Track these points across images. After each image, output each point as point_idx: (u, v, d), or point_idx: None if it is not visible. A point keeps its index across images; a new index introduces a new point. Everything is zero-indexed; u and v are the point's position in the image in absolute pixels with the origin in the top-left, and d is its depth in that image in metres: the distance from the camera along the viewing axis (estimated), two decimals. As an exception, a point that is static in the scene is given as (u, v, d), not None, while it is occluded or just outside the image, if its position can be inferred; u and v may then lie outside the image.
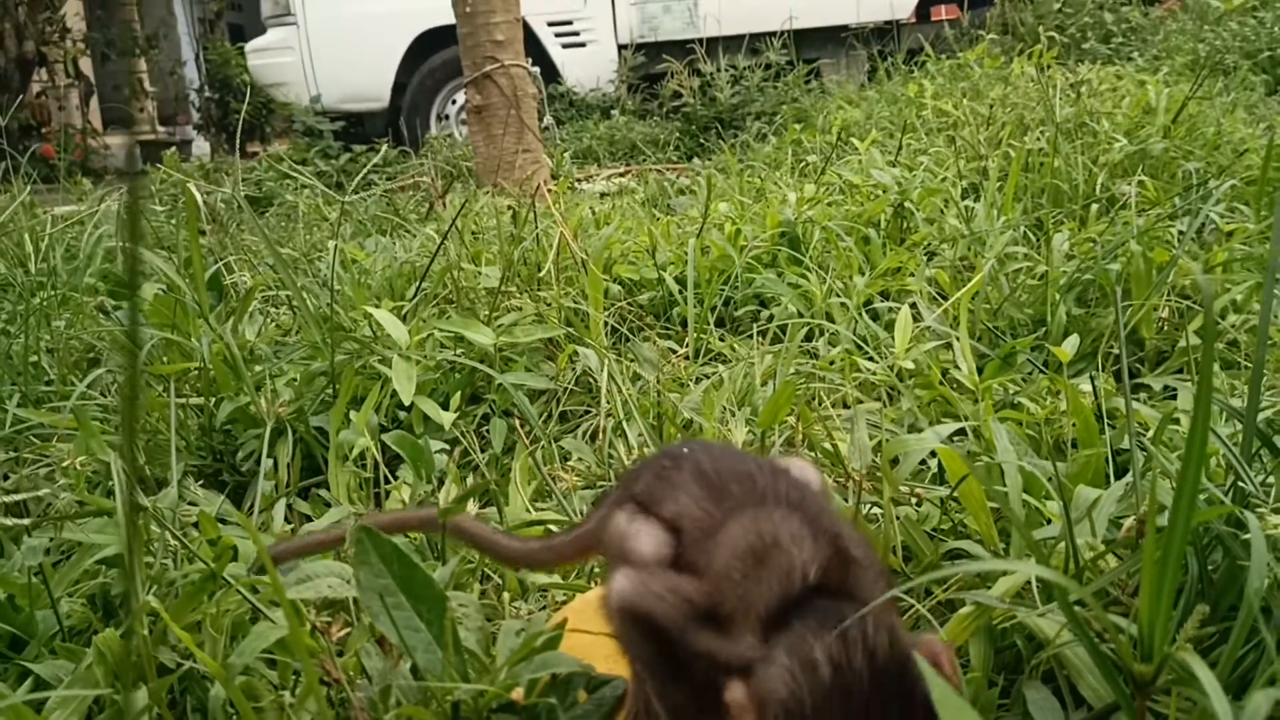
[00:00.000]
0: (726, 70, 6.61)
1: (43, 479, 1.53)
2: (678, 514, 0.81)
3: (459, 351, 1.87)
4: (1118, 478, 1.27)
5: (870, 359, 1.79)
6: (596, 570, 1.23)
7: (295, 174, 3.87)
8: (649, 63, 7.78)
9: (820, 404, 1.69)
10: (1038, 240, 2.41)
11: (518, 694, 0.73)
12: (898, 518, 1.16)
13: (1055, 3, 6.31)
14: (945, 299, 2.08)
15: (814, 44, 7.75)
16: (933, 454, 1.36)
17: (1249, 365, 1.74)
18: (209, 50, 14.20)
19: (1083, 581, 0.92)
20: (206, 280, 2.44)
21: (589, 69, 7.84)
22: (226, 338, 1.69)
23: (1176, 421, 1.36)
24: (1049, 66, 4.21)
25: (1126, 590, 0.90)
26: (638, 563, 0.80)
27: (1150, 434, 1.30)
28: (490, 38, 4.29)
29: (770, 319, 2.12)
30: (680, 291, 2.20)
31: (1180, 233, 2.22)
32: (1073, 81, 3.52)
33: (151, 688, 0.89)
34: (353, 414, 1.59)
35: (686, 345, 2.01)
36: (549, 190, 3.92)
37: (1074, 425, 1.39)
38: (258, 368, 1.83)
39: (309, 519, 1.51)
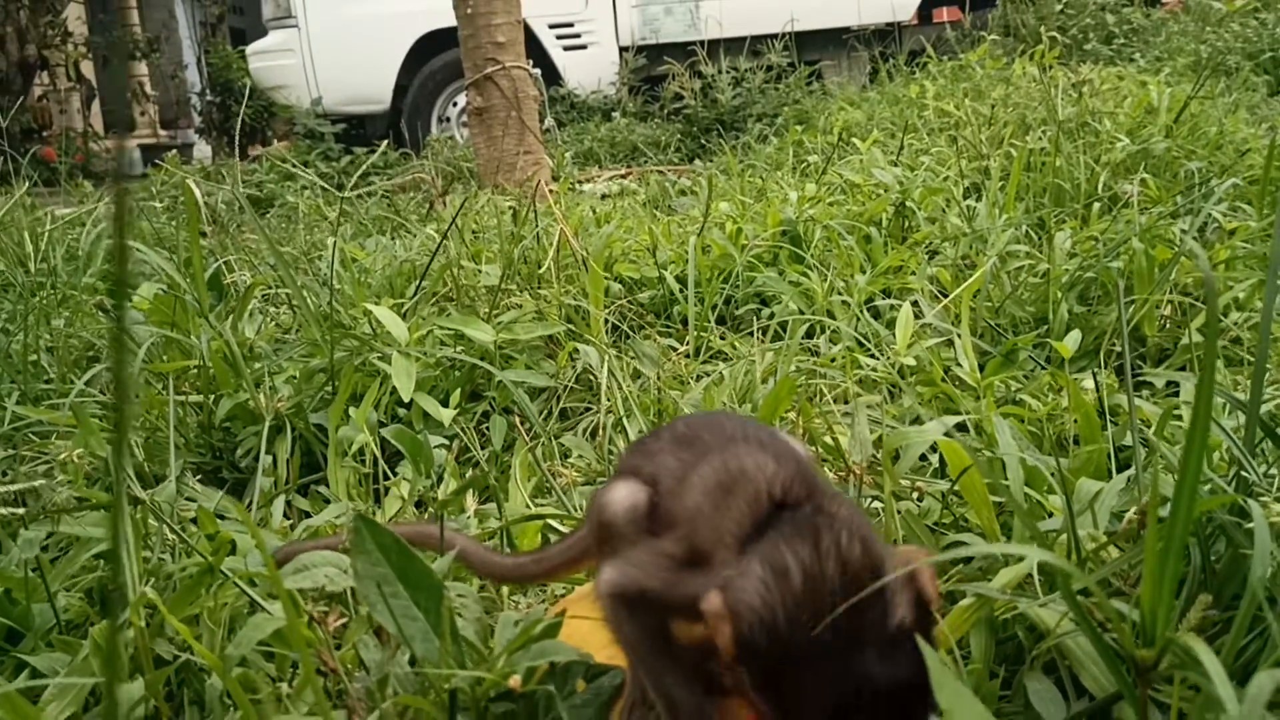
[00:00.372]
0: (728, 72, 6.61)
1: (41, 476, 1.53)
2: (655, 470, 0.82)
3: (459, 349, 1.87)
4: (1119, 473, 1.27)
5: (872, 356, 1.79)
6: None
7: (296, 172, 3.86)
8: (650, 65, 7.78)
9: (821, 399, 1.68)
10: (1039, 239, 2.40)
11: (515, 681, 0.73)
12: (898, 512, 1.15)
13: (1057, 4, 6.31)
14: (947, 297, 2.07)
15: (815, 46, 7.75)
16: (934, 448, 1.35)
17: (1252, 361, 1.73)
18: (211, 54, 14.21)
19: (1085, 572, 0.91)
20: (207, 279, 2.44)
21: (590, 71, 7.84)
22: (226, 335, 1.68)
23: (1179, 416, 1.35)
24: (1051, 67, 4.21)
25: (1128, 581, 0.89)
26: (611, 515, 0.81)
27: (1153, 429, 1.29)
28: (491, 40, 4.28)
29: (771, 317, 2.11)
30: (681, 290, 2.19)
31: (1183, 231, 2.22)
32: (1074, 81, 3.51)
33: (148, 679, 0.89)
34: (352, 411, 1.59)
35: (687, 343, 2.01)
36: (550, 190, 3.92)
37: (1076, 421, 1.39)
38: (257, 365, 1.83)
39: (308, 515, 1.50)
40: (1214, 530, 0.88)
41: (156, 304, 2.13)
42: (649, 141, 6.30)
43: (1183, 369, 1.80)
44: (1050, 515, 1.12)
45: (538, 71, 4.80)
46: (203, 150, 14.40)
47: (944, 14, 7.83)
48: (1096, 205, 2.54)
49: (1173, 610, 0.68)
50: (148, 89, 15.76)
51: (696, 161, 5.74)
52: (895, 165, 3.10)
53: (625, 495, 0.81)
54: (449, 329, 1.84)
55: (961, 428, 1.46)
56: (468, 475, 1.51)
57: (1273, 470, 0.96)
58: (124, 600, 0.87)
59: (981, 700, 0.87)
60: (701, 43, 7.20)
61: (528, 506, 1.41)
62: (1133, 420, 1.02)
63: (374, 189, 4.21)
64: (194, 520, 1.31)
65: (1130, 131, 3.10)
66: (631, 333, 2.11)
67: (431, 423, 1.70)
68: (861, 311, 2.01)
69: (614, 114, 7.15)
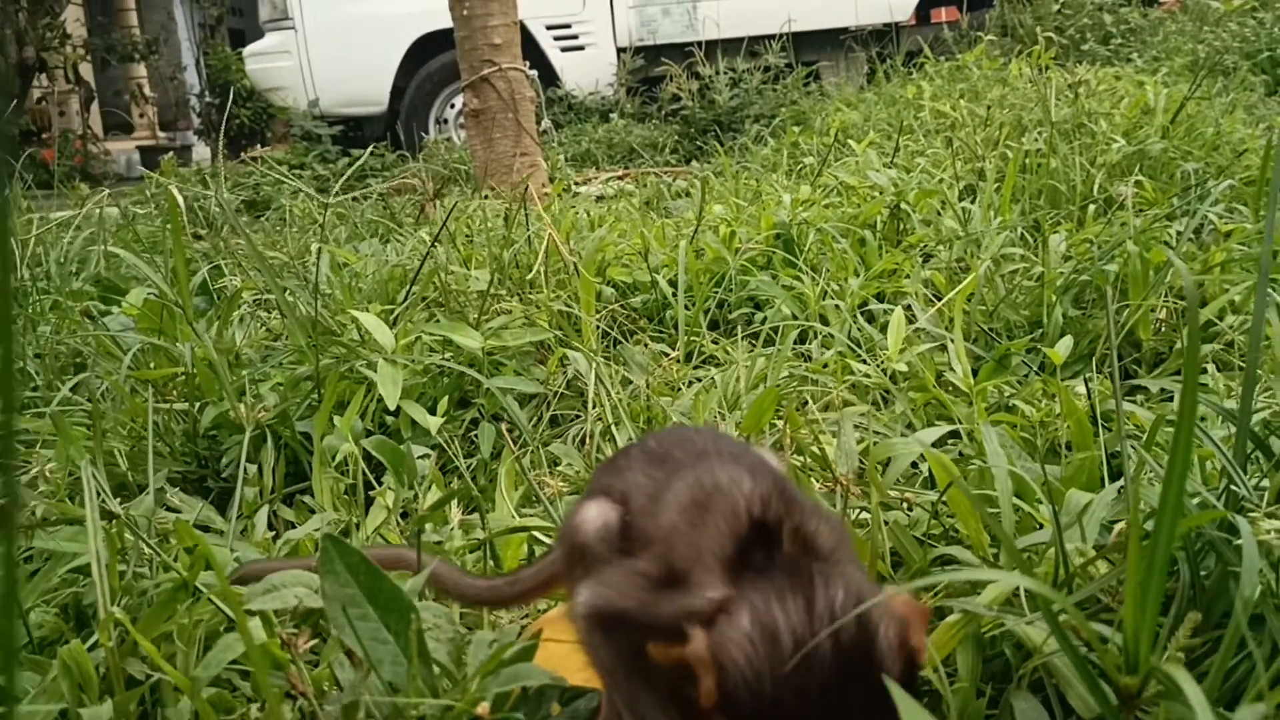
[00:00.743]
0: (725, 73, 6.59)
1: (26, 486, 1.51)
2: (626, 488, 0.81)
3: (447, 355, 1.85)
4: (1114, 480, 1.25)
5: (864, 361, 1.77)
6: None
7: (284, 179, 3.84)
8: (648, 66, 7.77)
9: (810, 406, 1.67)
10: (1035, 241, 2.38)
11: (483, 709, 0.71)
12: (886, 523, 1.14)
13: (1054, 4, 6.29)
14: (941, 300, 2.05)
15: (813, 46, 7.73)
16: (924, 457, 1.34)
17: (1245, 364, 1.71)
18: (210, 55, 14.20)
19: (1072, 588, 0.90)
20: (197, 285, 2.42)
21: (587, 72, 7.82)
22: (207, 343, 1.66)
23: (1171, 423, 1.33)
24: (1047, 67, 4.19)
25: (1116, 597, 0.87)
26: (584, 536, 0.79)
27: (1144, 437, 1.28)
28: (488, 41, 4.27)
29: (764, 321, 2.10)
30: (673, 294, 2.17)
31: (1178, 233, 2.20)
32: (1071, 82, 3.49)
33: (118, 700, 0.87)
34: (337, 419, 1.57)
35: (678, 348, 1.99)
36: (544, 192, 3.90)
37: (1069, 428, 1.37)
38: (244, 372, 1.81)
39: (293, 525, 1.48)
40: (1203, 545, 0.86)
41: (145, 310, 2.11)
42: (646, 143, 6.28)
43: (1177, 374, 1.78)
44: (1040, 526, 1.10)
45: (534, 73, 4.78)
46: (201, 151, 14.39)
47: (942, 14, 7.81)
48: (1092, 207, 2.52)
49: (1157, 634, 0.66)
50: (146, 90, 15.75)
51: (694, 163, 5.72)
52: (890, 167, 3.08)
53: (596, 515, 0.79)
54: (437, 335, 1.82)
55: (954, 435, 1.45)
56: (452, 485, 1.49)
57: (1265, 483, 0.94)
58: (105, 627, 0.86)
59: (968, 719, 0.85)
60: (699, 44, 7.19)
61: (513, 517, 1.39)
62: (1121, 431, 1.00)
63: (370, 191, 4.19)
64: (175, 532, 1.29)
65: (1126, 132, 3.08)
66: (623, 338, 2.09)
67: (419, 430, 1.68)
68: (855, 316, 1.99)
69: (611, 115, 7.13)
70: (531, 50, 6.98)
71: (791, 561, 0.70)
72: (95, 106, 15.07)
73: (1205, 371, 1.63)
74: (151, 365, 1.90)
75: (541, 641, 0.80)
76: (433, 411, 1.70)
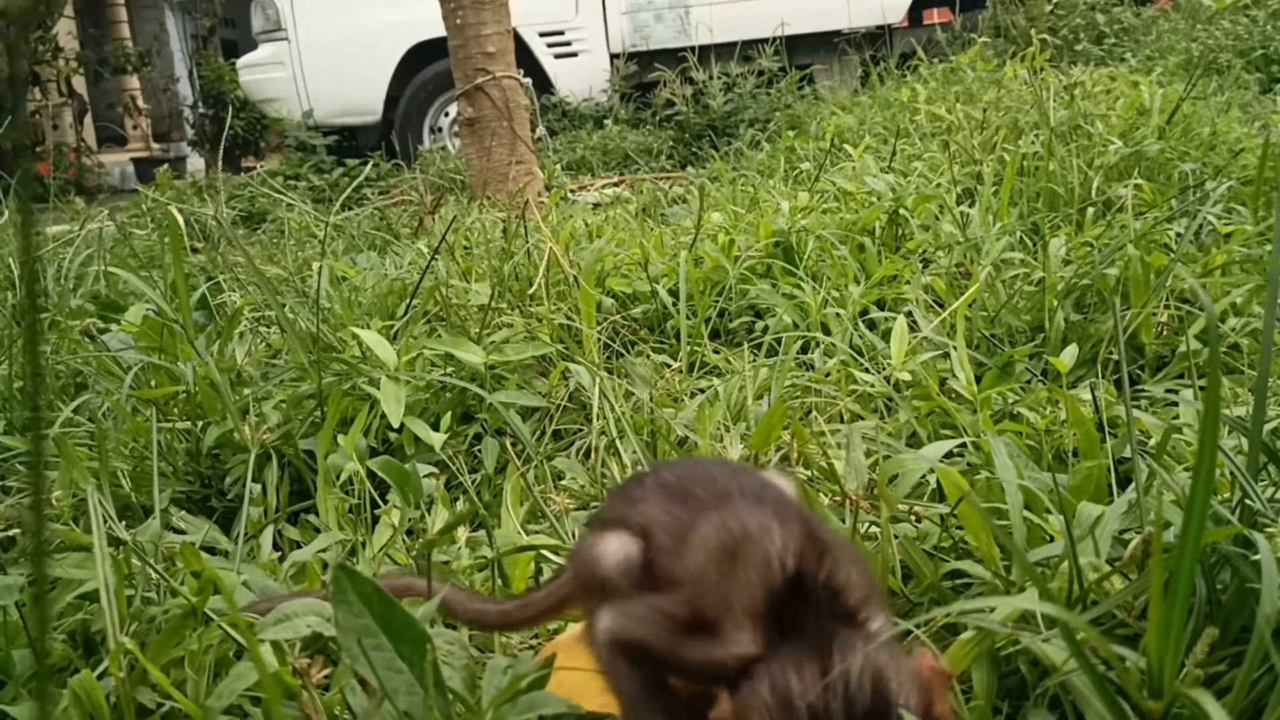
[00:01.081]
0: (719, 78, 6.60)
1: (28, 509, 1.50)
2: (644, 522, 0.80)
3: (449, 370, 1.84)
4: (1121, 486, 1.25)
5: (867, 370, 1.77)
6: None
7: (280, 195, 3.84)
8: (641, 71, 7.77)
9: (817, 418, 1.66)
10: (1034, 245, 2.38)
11: (502, 740, 0.71)
12: (896, 536, 1.13)
13: (1047, 4, 6.30)
14: (942, 306, 2.05)
15: (806, 50, 7.74)
16: (933, 469, 1.33)
17: (1252, 371, 1.71)
18: (203, 66, 14.19)
19: (1087, 605, 0.89)
20: (196, 300, 2.41)
21: (582, 79, 7.82)
22: (209, 362, 1.66)
23: (1180, 430, 1.33)
24: (1042, 69, 4.19)
25: (1133, 613, 0.87)
26: (605, 570, 0.79)
27: (1152, 443, 1.27)
28: (481, 50, 4.27)
29: (766, 330, 2.09)
30: (674, 304, 2.17)
31: (1178, 235, 2.20)
32: (1066, 84, 3.49)
33: (129, 731, 0.86)
34: (341, 438, 1.56)
35: (680, 359, 1.99)
36: (542, 201, 3.90)
37: (1075, 435, 1.36)
38: (246, 391, 1.80)
39: (299, 545, 1.48)
40: (1219, 560, 0.86)
41: (144, 328, 2.11)
42: (641, 149, 6.28)
43: (1181, 376, 1.78)
44: (1051, 539, 1.09)
45: (528, 81, 4.78)
46: (196, 163, 14.38)
47: (934, 15, 7.82)
48: (1091, 210, 2.52)
49: (1179, 657, 0.66)
50: (140, 102, 15.74)
51: (689, 168, 5.72)
52: (888, 172, 3.08)
53: (618, 548, 0.79)
54: (439, 351, 1.82)
55: (960, 444, 1.44)
56: (458, 504, 1.49)
57: (1279, 494, 0.94)
58: (115, 658, 0.85)
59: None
60: (692, 48, 7.19)
61: (520, 534, 1.39)
62: (1132, 442, 0.99)
63: (366, 201, 4.19)
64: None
65: (1123, 134, 3.08)
66: (625, 350, 2.08)
67: (423, 446, 1.67)
68: (856, 324, 1.99)
69: (606, 121, 7.13)
70: (525, 57, 6.98)
71: (818, 622, 0.70)
72: (89, 119, 15.05)
73: (1218, 360, 1.62)
74: (153, 384, 1.89)
75: (555, 668, 0.80)
76: (436, 427, 1.69)
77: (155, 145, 16.22)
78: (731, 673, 0.69)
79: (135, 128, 15.99)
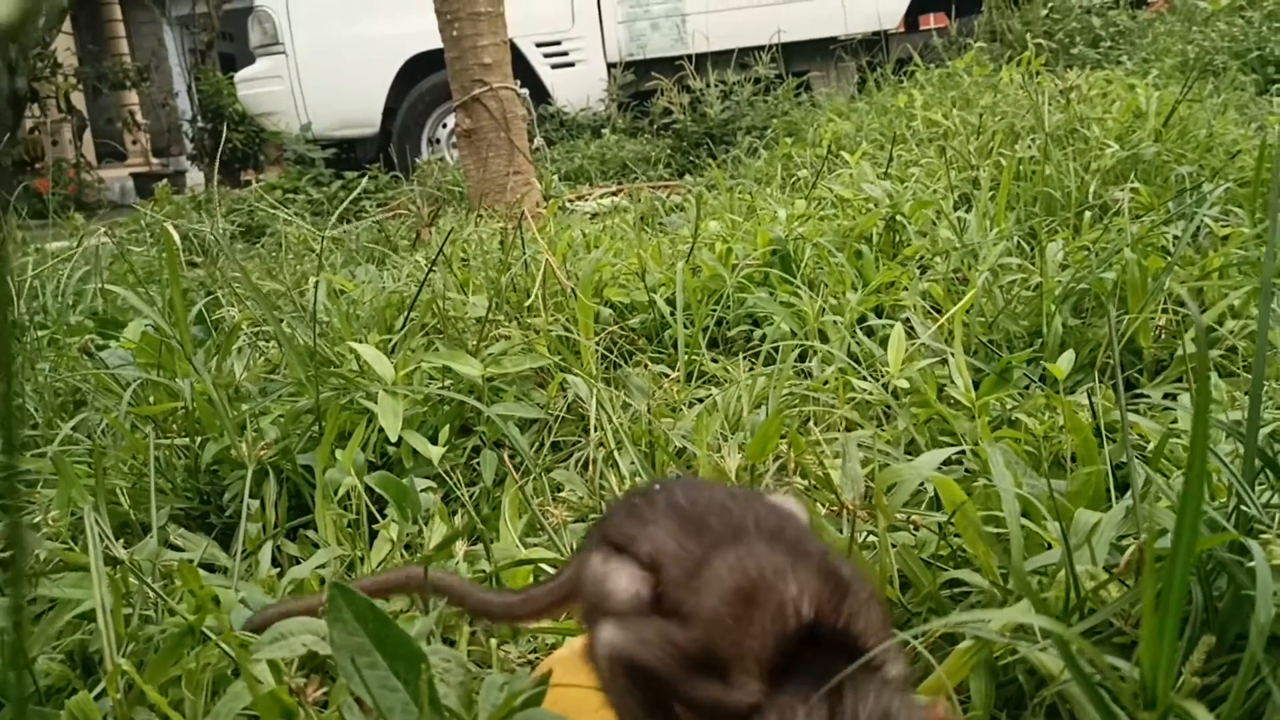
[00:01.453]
0: (716, 86, 6.60)
1: (29, 528, 1.50)
2: (654, 552, 0.79)
3: (447, 383, 1.84)
4: (1119, 491, 1.25)
5: (865, 378, 1.77)
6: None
7: (277, 211, 3.85)
8: (638, 80, 7.78)
9: (816, 425, 1.66)
10: (1031, 250, 2.38)
11: (496, 758, 0.70)
12: (894, 545, 1.13)
13: (1043, 8, 6.31)
14: (940, 313, 2.05)
15: (803, 57, 7.74)
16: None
17: (1249, 374, 1.71)
18: (201, 81, 14.21)
19: (1084, 613, 0.89)
20: (194, 315, 2.42)
21: (579, 88, 7.83)
22: (206, 379, 1.66)
23: (1177, 435, 1.33)
24: (1038, 73, 4.20)
25: (1130, 621, 0.87)
26: (616, 605, 0.78)
27: (1150, 447, 1.27)
28: (478, 61, 4.28)
29: (763, 339, 2.09)
30: (671, 313, 2.17)
31: (1175, 238, 2.20)
32: (1062, 88, 3.50)
33: (126, 752, 0.86)
34: (339, 452, 1.56)
35: (678, 368, 1.99)
36: (539, 212, 3.90)
37: (1073, 441, 1.36)
38: (244, 406, 1.80)
39: (298, 561, 1.48)
40: (1215, 566, 0.86)
41: (143, 344, 2.11)
42: (639, 157, 6.29)
43: (1179, 381, 1.78)
44: (1049, 546, 1.09)
45: (525, 91, 4.79)
46: (195, 177, 14.40)
47: (930, 21, 7.83)
48: (1088, 214, 2.52)
49: (1174, 668, 0.66)
50: (139, 117, 15.76)
51: (687, 176, 5.73)
52: (885, 178, 3.08)
53: (628, 584, 0.78)
54: (437, 364, 1.82)
55: (959, 450, 1.44)
56: (456, 518, 1.49)
57: (1275, 499, 0.94)
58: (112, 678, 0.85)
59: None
60: (689, 57, 7.20)
61: (518, 547, 1.39)
62: (1127, 449, 0.99)
63: (365, 213, 4.19)
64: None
65: (1119, 137, 3.09)
66: (623, 360, 2.08)
67: (421, 460, 1.67)
68: (854, 331, 1.99)
69: (604, 130, 7.14)
70: (522, 68, 7.00)
71: (832, 667, 0.69)
72: (88, 135, 15.08)
73: (1207, 378, 1.62)
74: (151, 400, 1.89)
75: (552, 685, 0.80)
76: (434, 440, 1.69)
77: (155, 160, 16.25)
78: (737, 717, 0.69)
79: (134, 143, 16.02)
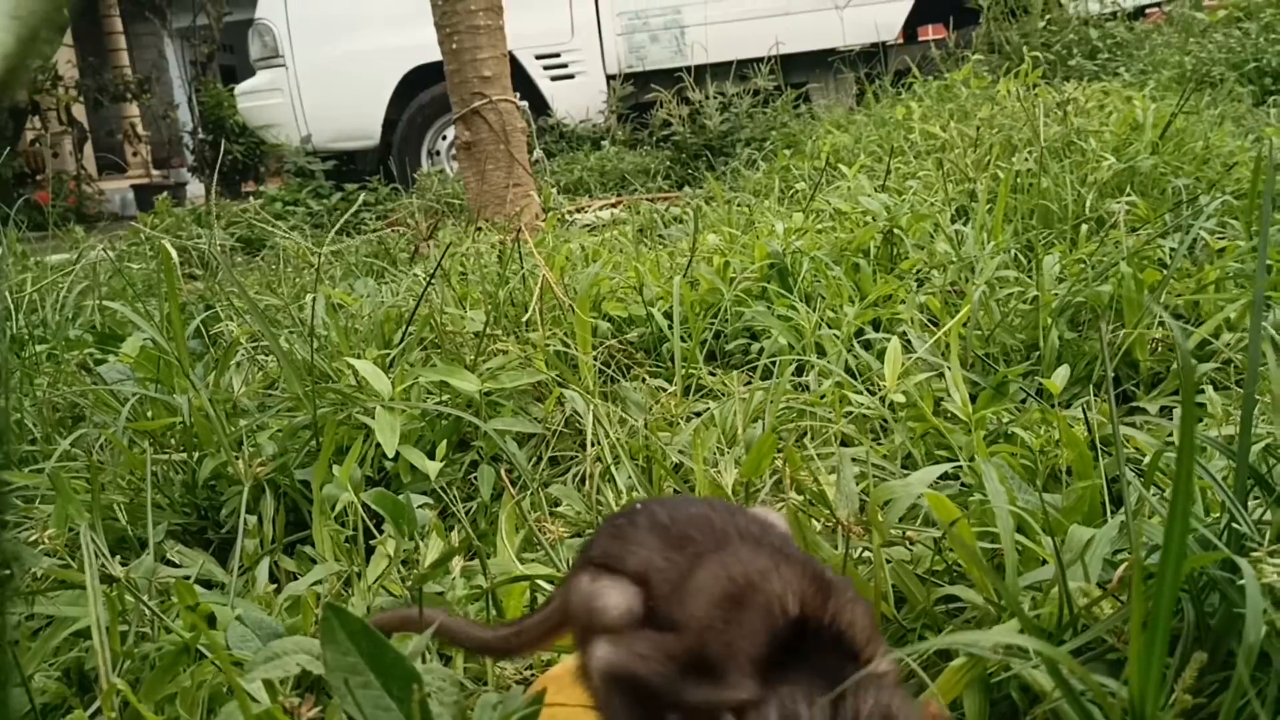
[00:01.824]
0: (715, 97, 6.62)
1: (25, 544, 1.50)
2: (641, 567, 0.80)
3: (444, 398, 1.85)
4: (1115, 505, 1.25)
5: (861, 392, 1.77)
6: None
7: (275, 227, 3.86)
8: (638, 92, 7.80)
9: (811, 440, 1.66)
10: (1028, 263, 2.39)
11: (488, 779, 0.70)
12: (889, 561, 1.13)
13: (1040, 20, 6.32)
14: (937, 326, 2.05)
15: (801, 68, 7.76)
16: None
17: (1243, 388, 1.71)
18: (201, 93, 14.25)
19: (1077, 629, 0.89)
20: (192, 330, 2.42)
21: (578, 100, 7.86)
22: (203, 394, 1.66)
23: (1172, 450, 1.33)
24: (1035, 85, 4.21)
25: (1123, 638, 0.87)
26: (609, 622, 0.79)
27: (1145, 462, 1.27)
28: (478, 74, 4.29)
29: (761, 352, 2.10)
30: (669, 327, 2.18)
31: (1172, 250, 2.20)
32: (1059, 100, 3.51)
33: (121, 771, 0.86)
34: (336, 468, 1.56)
35: (676, 382, 1.99)
36: (539, 224, 3.91)
37: (1068, 455, 1.37)
38: (242, 421, 1.81)
39: (295, 576, 1.48)
40: (1207, 583, 0.86)
41: (141, 359, 2.11)
42: (638, 169, 6.30)
43: (1174, 393, 1.78)
44: (1044, 562, 1.09)
45: (525, 104, 4.81)
46: (196, 189, 14.42)
47: (929, 32, 7.85)
48: (1084, 226, 2.53)
49: (1164, 675, 0.66)
50: (140, 129, 15.80)
51: (686, 188, 5.74)
52: (882, 191, 3.09)
53: (620, 600, 0.78)
54: (434, 379, 1.82)
55: (955, 464, 1.44)
56: (453, 533, 1.49)
57: (1266, 515, 0.94)
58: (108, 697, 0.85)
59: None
60: (688, 69, 7.22)
61: (515, 563, 1.39)
62: (1121, 466, 1.00)
63: (364, 225, 4.20)
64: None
65: (1116, 149, 3.09)
66: (621, 374, 2.09)
67: (419, 475, 1.67)
68: (851, 345, 1.99)
69: (603, 143, 7.15)
70: (521, 80, 7.02)
71: (824, 661, 0.70)
72: (89, 147, 15.11)
73: (1203, 392, 1.63)
74: (149, 415, 1.90)
75: (546, 704, 0.80)
76: (432, 456, 1.70)
77: (155, 172, 16.27)
78: (735, 710, 0.69)
79: (135, 155, 16.05)
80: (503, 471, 1.65)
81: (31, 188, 12.33)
